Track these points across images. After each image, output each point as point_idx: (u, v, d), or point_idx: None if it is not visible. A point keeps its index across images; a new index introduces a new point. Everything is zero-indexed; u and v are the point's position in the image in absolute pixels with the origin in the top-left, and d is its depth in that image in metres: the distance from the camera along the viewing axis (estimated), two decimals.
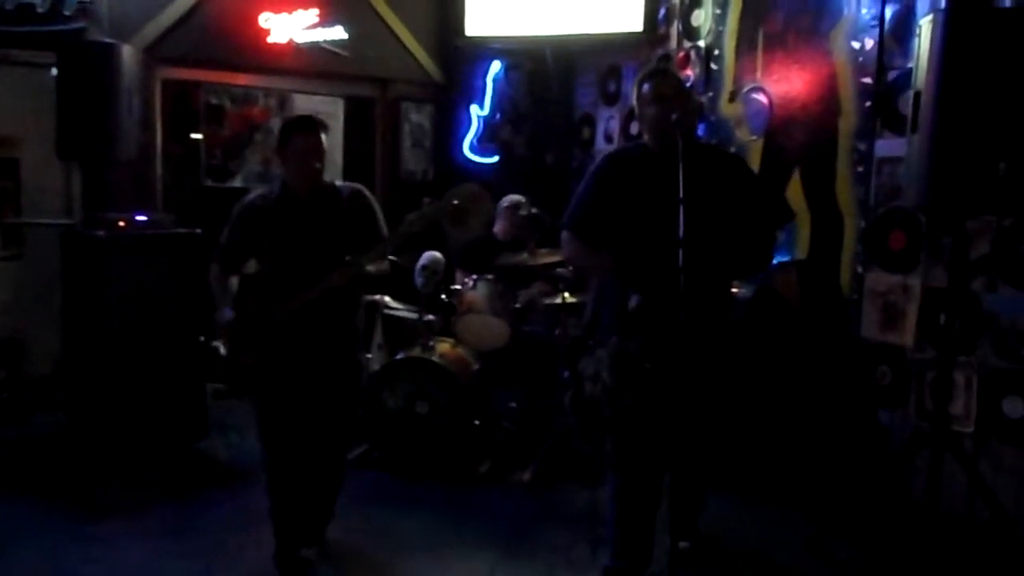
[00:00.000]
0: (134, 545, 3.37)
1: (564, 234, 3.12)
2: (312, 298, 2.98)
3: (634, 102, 3.02)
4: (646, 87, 2.92)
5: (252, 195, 3.22)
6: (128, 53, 4.16)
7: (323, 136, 3.04)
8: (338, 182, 3.23)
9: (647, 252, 2.86)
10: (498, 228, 4.88)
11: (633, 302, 2.93)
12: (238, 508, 3.68)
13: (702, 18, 4.85)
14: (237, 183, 5.74)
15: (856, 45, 3.92)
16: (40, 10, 4.62)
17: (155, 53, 5.04)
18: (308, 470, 3.17)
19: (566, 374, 4.57)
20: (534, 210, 4.53)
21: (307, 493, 3.19)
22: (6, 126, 4.80)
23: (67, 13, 4.70)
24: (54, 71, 4.13)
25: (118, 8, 4.88)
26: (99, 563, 3.23)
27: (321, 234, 3.08)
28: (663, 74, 3.01)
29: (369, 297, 4.71)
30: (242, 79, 5.71)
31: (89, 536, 3.43)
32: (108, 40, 4.48)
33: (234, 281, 3.17)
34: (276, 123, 5.84)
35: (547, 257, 4.41)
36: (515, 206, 4.74)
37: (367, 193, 3.22)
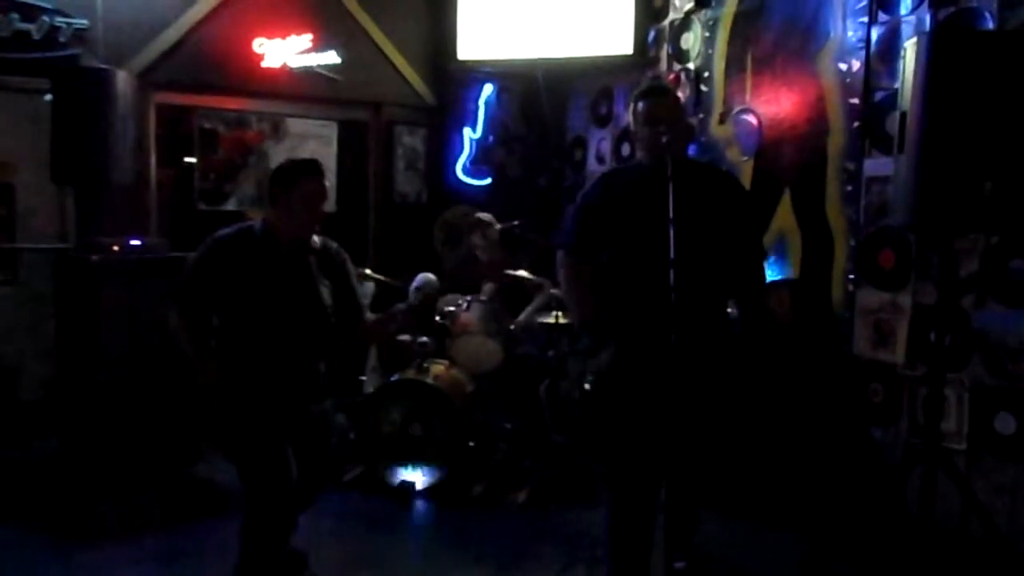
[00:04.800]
0: (126, 572, 3.34)
1: (559, 254, 3.13)
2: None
3: (629, 119, 3.01)
4: (641, 106, 2.90)
5: (226, 232, 2.96)
6: (122, 78, 4.19)
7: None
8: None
9: (633, 295, 2.88)
10: (478, 250, 4.93)
11: (605, 357, 2.96)
12: (231, 534, 3.65)
13: (691, 41, 4.91)
14: (231, 207, 5.76)
15: (843, 67, 3.97)
16: (36, 37, 4.65)
17: (149, 78, 5.07)
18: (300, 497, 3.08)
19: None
20: (500, 226, 4.56)
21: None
22: (1, 151, 4.81)
23: (62, 40, 4.73)
24: (49, 97, 4.15)
25: (113, 34, 4.91)
26: None
27: (311, 290, 2.95)
28: (658, 94, 2.97)
29: None
30: (236, 103, 5.73)
31: (81, 563, 3.41)
32: (103, 66, 4.51)
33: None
34: (270, 146, 5.87)
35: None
36: (479, 223, 4.78)
37: (345, 253, 3.15)
